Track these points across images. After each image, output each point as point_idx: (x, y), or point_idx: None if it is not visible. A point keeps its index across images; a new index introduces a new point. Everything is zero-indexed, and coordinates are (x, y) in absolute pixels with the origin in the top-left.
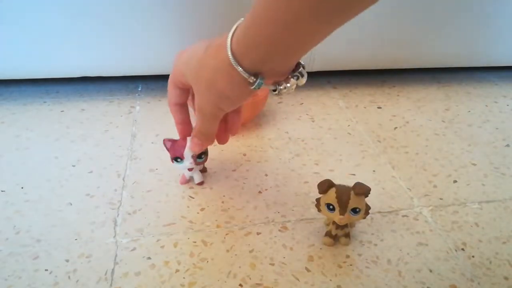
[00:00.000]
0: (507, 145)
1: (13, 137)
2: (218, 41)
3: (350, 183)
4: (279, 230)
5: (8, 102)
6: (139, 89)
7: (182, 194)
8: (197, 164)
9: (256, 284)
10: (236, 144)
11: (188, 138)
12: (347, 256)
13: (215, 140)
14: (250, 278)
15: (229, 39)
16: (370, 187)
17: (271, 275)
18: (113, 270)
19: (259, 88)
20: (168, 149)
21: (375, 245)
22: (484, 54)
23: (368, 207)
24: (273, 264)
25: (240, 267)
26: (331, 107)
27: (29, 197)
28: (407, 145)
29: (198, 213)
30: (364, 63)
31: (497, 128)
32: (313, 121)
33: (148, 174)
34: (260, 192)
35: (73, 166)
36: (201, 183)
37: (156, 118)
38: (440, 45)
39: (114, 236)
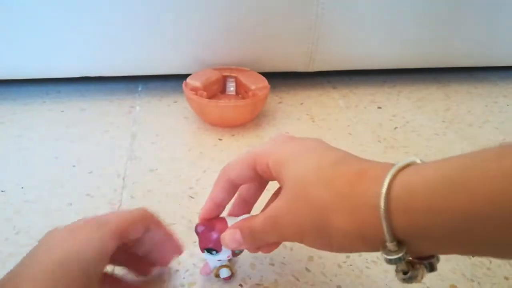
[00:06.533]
0: None
1: (13, 137)
2: (364, 165)
3: None
4: None
5: (8, 102)
6: (139, 89)
7: (182, 194)
8: (234, 256)
9: (256, 284)
10: (236, 144)
11: (229, 220)
12: (347, 256)
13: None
14: (250, 278)
15: (388, 179)
16: None
17: (271, 275)
18: (113, 270)
19: (392, 263)
20: (199, 235)
21: None
22: (484, 53)
23: None
24: (273, 264)
25: (240, 267)
26: (331, 107)
27: (29, 197)
28: (408, 145)
29: (198, 213)
30: (364, 63)
31: (497, 128)
32: (313, 121)
33: (148, 174)
34: None
35: (73, 166)
36: (228, 278)
37: (156, 118)
38: (441, 45)
39: None
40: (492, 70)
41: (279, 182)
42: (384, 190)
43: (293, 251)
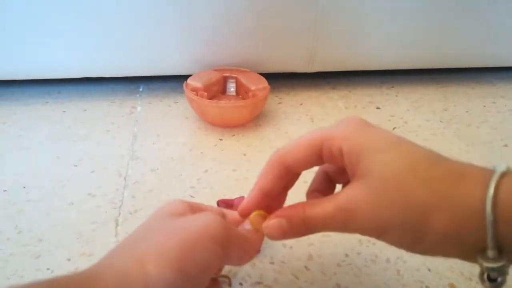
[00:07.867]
0: (505, 145)
1: (15, 137)
2: (461, 167)
3: None
4: None
5: (10, 103)
6: (141, 90)
7: (182, 194)
8: None
9: (256, 282)
10: (236, 144)
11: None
12: (346, 255)
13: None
14: (250, 277)
15: (494, 183)
16: None
17: (270, 274)
18: None
19: (491, 272)
20: None
21: (374, 243)
22: (482, 54)
23: None
24: (272, 263)
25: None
26: (330, 107)
27: (31, 196)
28: None
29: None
30: (364, 63)
31: (495, 129)
32: (312, 122)
33: (149, 174)
34: None
35: (75, 166)
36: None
37: (157, 118)
38: (439, 46)
39: (116, 236)
40: (490, 70)
41: (353, 171)
42: (490, 195)
43: (292, 250)
